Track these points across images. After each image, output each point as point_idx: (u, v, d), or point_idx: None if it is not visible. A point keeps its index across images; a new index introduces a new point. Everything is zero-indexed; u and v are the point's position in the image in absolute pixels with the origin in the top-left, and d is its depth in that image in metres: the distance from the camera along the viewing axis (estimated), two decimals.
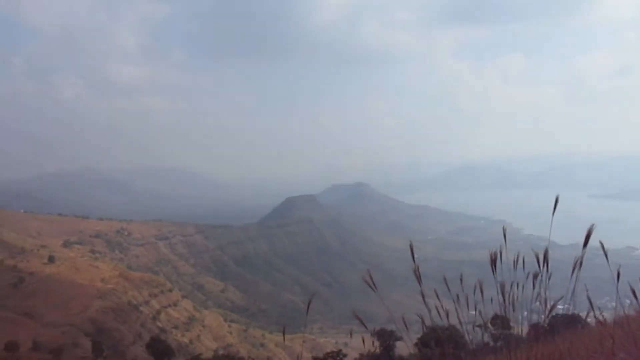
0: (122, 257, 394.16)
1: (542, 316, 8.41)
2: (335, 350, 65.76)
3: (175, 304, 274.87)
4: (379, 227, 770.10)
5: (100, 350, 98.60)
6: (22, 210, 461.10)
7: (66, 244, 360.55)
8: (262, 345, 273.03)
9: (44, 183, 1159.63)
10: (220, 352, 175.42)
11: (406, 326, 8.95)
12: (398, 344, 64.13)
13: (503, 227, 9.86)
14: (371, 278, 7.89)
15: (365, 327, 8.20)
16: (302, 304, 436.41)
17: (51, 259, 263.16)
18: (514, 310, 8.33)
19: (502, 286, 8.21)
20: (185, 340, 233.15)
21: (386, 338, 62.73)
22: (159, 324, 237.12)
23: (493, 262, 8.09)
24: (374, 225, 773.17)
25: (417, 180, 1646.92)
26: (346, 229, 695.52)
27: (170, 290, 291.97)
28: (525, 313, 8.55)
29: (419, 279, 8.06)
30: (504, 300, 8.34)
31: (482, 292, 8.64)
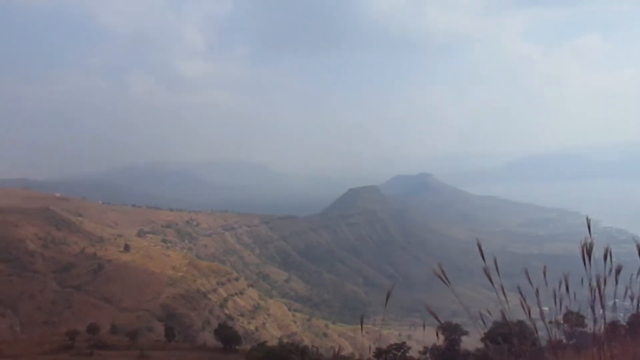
0: (191, 246, 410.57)
1: (622, 314, 7.68)
2: (398, 342, 65.09)
3: (241, 293, 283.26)
4: (444, 218, 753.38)
5: (172, 335, 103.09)
6: (100, 202, 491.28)
7: (140, 234, 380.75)
8: (325, 335, 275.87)
9: (120, 175, 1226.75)
10: (285, 340, 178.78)
11: (482, 321, 8.44)
12: (464, 338, 62.44)
13: (587, 219, 9.07)
14: (443, 271, 7.42)
15: (438, 320, 7.78)
16: (365, 294, 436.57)
17: (127, 248, 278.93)
18: (603, 308, 7.63)
19: (598, 280, 7.55)
20: (251, 327, 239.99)
21: (451, 332, 61.24)
22: (226, 311, 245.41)
23: (588, 253, 7.43)
24: (439, 217, 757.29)
25: (483, 171, 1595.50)
26: (410, 221, 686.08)
27: (237, 279, 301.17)
28: (601, 311, 7.81)
29: (488, 274, 7.51)
30: (594, 296, 7.67)
31: (567, 287, 7.97)
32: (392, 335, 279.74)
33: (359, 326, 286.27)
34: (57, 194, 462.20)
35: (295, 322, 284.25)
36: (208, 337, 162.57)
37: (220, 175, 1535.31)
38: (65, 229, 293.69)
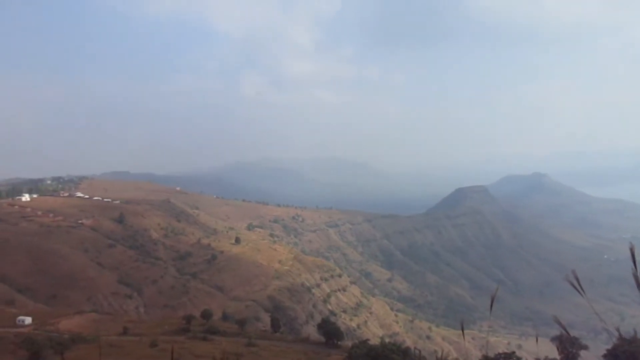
0: (297, 241, 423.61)
1: None
2: (507, 352, 61.60)
3: (344, 289, 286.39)
4: (560, 222, 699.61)
5: (277, 326, 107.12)
6: (214, 196, 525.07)
7: (249, 227, 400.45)
8: (428, 337, 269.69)
9: (232, 171, 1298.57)
10: (387, 340, 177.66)
11: (607, 335, 7.67)
12: (583, 353, 57.52)
13: None
14: (577, 279, 6.81)
15: (567, 332, 7.17)
16: (471, 299, 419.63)
17: (237, 240, 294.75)
18: None
19: None
20: (353, 324, 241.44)
21: (569, 345, 56.68)
22: (329, 307, 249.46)
23: None
24: (555, 220, 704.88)
25: (608, 171, 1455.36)
26: (521, 223, 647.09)
27: (340, 276, 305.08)
28: None
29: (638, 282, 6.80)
30: None
31: None
32: (500, 343, 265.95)
33: (465, 331, 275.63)
34: (177, 188, 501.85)
35: (397, 322, 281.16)
36: (311, 331, 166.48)
37: (325, 173, 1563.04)
38: (184, 221, 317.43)
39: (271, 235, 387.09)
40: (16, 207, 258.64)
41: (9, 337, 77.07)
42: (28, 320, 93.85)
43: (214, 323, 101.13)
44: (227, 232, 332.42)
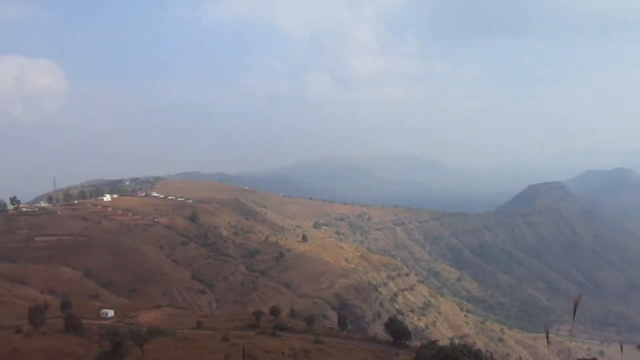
0: (363, 239, 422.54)
1: None
2: (588, 358, 58.08)
3: (411, 288, 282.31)
4: None
5: (344, 324, 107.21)
6: (281, 194, 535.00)
7: (316, 225, 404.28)
8: (500, 340, 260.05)
9: (299, 170, 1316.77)
10: (457, 341, 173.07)
11: None
12: None
13: None
14: None
15: None
16: (547, 301, 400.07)
17: (304, 238, 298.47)
18: None
19: None
20: (421, 324, 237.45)
21: None
22: (396, 306, 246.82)
23: None
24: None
25: None
26: (603, 221, 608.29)
27: (407, 275, 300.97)
28: None
29: None
30: None
31: None
32: (579, 349, 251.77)
33: (540, 335, 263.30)
34: (246, 187, 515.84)
35: (467, 323, 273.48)
36: (378, 330, 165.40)
37: (391, 170, 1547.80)
38: (252, 219, 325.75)
39: (337, 233, 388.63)
40: (99, 206, 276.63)
41: (93, 328, 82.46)
42: (111, 313, 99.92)
43: (282, 319, 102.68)
44: (294, 230, 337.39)
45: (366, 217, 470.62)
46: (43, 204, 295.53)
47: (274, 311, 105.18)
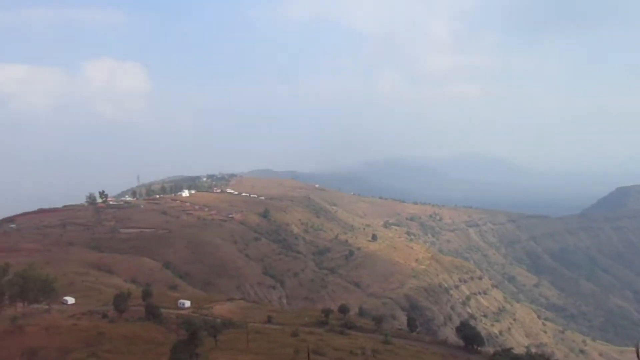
0: (434, 240, 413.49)
1: None
2: None
3: (485, 292, 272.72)
4: None
5: (414, 326, 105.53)
6: (352, 193, 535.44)
7: (386, 225, 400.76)
8: (581, 351, 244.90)
9: (370, 168, 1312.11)
10: (533, 349, 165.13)
11: None
12: None
13: None
14: None
15: None
16: (636, 312, 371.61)
17: (374, 237, 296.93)
18: None
19: None
20: (495, 330, 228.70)
21: None
22: (469, 310, 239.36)
23: None
24: None
25: None
26: None
27: (480, 278, 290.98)
28: None
29: None
30: None
31: None
32: None
33: (628, 348, 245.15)
34: (317, 185, 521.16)
35: (545, 331, 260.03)
36: (449, 333, 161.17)
37: (464, 170, 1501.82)
38: (323, 217, 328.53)
39: (408, 233, 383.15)
40: (178, 201, 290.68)
41: (171, 317, 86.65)
42: (187, 303, 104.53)
43: (351, 318, 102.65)
44: (364, 229, 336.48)
45: (438, 217, 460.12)
46: (128, 198, 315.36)
47: (343, 309, 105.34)
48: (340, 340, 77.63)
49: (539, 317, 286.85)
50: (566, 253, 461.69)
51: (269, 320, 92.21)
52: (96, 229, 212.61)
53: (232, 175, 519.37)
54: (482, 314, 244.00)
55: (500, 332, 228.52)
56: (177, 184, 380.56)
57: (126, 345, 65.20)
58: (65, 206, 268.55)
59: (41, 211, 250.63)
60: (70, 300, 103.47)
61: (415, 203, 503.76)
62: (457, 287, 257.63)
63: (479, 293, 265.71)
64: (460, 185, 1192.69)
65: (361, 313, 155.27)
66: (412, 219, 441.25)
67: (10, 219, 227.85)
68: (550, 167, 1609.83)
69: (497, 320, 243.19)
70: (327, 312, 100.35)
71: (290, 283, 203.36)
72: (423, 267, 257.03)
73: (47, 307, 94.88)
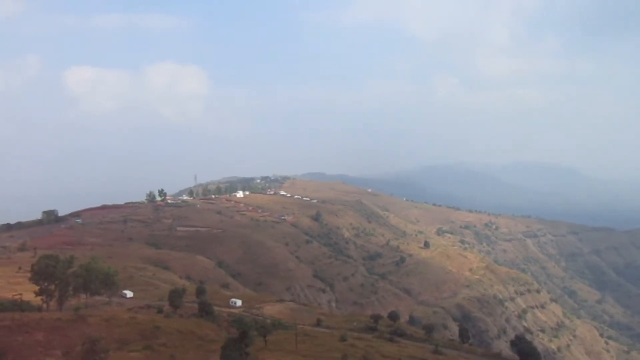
0: (489, 250, 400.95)
1: None
2: None
3: (542, 306, 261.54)
4: None
5: (466, 337, 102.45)
6: (404, 198, 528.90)
7: (439, 232, 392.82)
8: None
9: (423, 174, 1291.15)
10: None
11: None
12: None
13: None
14: None
15: None
16: None
17: (426, 244, 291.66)
18: None
19: None
20: (553, 346, 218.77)
21: None
22: (524, 324, 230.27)
23: None
24: None
25: None
26: None
27: (538, 291, 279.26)
28: None
29: None
30: None
31: None
32: None
33: None
34: (369, 190, 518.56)
35: (608, 350, 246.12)
36: (503, 347, 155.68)
37: (523, 178, 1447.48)
38: (374, 221, 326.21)
39: (462, 241, 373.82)
40: (232, 202, 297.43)
41: (223, 315, 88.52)
42: (239, 302, 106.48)
43: (401, 325, 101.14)
44: (416, 235, 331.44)
45: (494, 226, 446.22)
46: (185, 197, 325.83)
47: (393, 316, 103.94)
48: (389, 348, 76.55)
49: (601, 335, 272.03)
50: (632, 268, 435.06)
51: (318, 323, 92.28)
52: (155, 226, 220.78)
53: (285, 178, 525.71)
54: (539, 328, 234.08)
55: (559, 349, 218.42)
56: (232, 185, 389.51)
57: (180, 340, 67.14)
58: (127, 203, 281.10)
59: (104, 207, 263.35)
60: (129, 293, 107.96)
61: (471, 211, 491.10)
62: (512, 299, 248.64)
63: (536, 307, 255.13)
64: (519, 194, 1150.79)
65: (411, 321, 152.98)
66: (466, 227, 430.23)
67: (76, 214, 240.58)
68: (616, 177, 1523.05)
69: (556, 336, 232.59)
70: (376, 318, 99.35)
71: (339, 287, 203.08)
72: (477, 277, 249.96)
73: (107, 299, 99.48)
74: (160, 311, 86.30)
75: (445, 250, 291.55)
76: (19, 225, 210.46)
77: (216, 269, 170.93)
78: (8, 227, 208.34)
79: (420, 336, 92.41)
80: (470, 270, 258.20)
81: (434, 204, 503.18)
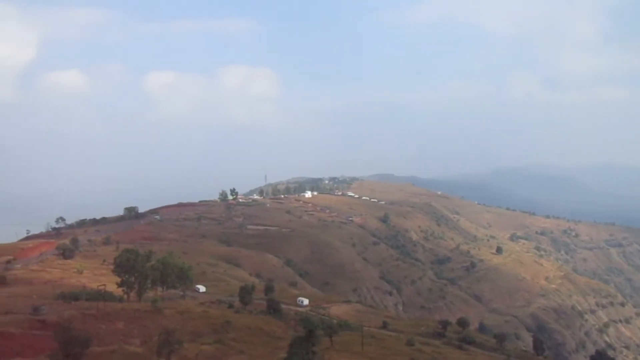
0: (568, 258, 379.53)
1: None
2: None
3: (627, 321, 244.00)
4: None
5: (541, 349, 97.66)
6: (476, 202, 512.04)
7: (512, 238, 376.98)
8: None
9: (497, 177, 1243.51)
10: None
11: None
12: None
13: None
14: None
15: None
16: None
17: (499, 250, 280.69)
18: None
19: None
20: None
21: None
22: (606, 339, 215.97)
23: None
24: None
25: None
26: None
27: (622, 305, 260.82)
28: None
29: None
30: None
31: None
32: None
33: None
34: (439, 192, 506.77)
35: None
36: None
37: (606, 182, 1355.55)
38: (444, 225, 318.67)
39: (537, 248, 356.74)
40: (301, 202, 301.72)
41: (290, 313, 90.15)
42: (306, 301, 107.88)
43: (470, 333, 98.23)
44: (488, 240, 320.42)
45: (573, 233, 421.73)
46: (255, 197, 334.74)
47: (462, 323, 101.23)
48: (458, 355, 74.63)
49: None
50: None
51: (385, 326, 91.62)
52: (226, 224, 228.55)
53: (354, 179, 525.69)
54: (623, 345, 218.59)
55: None
56: (301, 185, 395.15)
57: (249, 335, 69.14)
58: (201, 201, 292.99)
59: (180, 205, 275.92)
60: (202, 288, 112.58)
61: (547, 216, 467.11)
62: (593, 311, 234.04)
63: (620, 321, 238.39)
64: (602, 200, 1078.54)
65: (481, 329, 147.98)
66: (542, 234, 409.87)
67: (155, 211, 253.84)
68: None
69: None
70: (444, 323, 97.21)
71: (407, 290, 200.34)
72: (554, 286, 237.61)
73: (182, 293, 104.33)
74: (230, 306, 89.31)
75: (519, 257, 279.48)
76: (104, 221, 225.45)
77: (284, 267, 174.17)
78: (94, 221, 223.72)
79: (491, 345, 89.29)
80: (546, 278, 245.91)
81: (507, 208, 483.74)
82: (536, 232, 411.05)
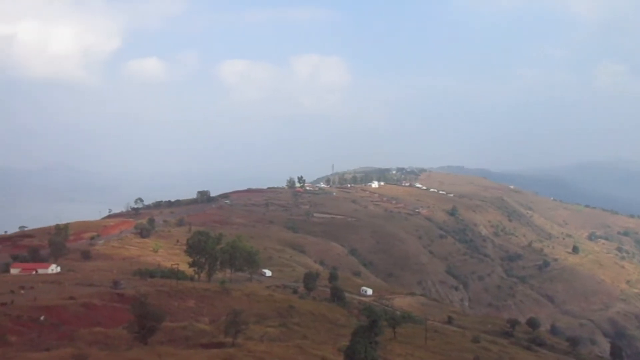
0: None
1: None
2: None
3: None
4: None
5: (619, 356, 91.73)
6: (551, 198, 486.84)
7: (591, 237, 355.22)
8: None
9: (576, 173, 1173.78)
10: None
11: None
12: None
13: None
14: None
15: None
16: None
17: (575, 250, 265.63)
18: None
19: None
20: None
21: None
22: None
23: None
24: None
25: None
26: None
27: None
28: None
29: None
30: None
31: None
32: None
33: None
34: (512, 186, 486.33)
35: None
36: None
37: None
38: (516, 221, 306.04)
39: (619, 249, 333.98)
40: (367, 192, 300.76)
41: (354, 302, 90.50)
42: (369, 291, 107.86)
43: (540, 334, 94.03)
44: (564, 239, 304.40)
45: None
46: (322, 185, 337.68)
47: (533, 323, 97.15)
48: (526, 356, 71.79)
49: None
50: None
51: (449, 321, 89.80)
52: (293, 210, 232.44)
53: (422, 170, 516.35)
54: None
55: None
56: (368, 175, 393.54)
57: (312, 321, 70.14)
58: (269, 188, 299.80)
59: (249, 190, 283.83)
60: (268, 272, 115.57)
61: (632, 216, 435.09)
62: None
63: None
64: None
65: (553, 330, 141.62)
66: (625, 234, 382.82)
67: (225, 195, 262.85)
68: None
69: None
70: (513, 322, 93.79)
71: (474, 286, 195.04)
72: (636, 290, 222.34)
73: (249, 275, 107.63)
74: (295, 292, 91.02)
75: (598, 258, 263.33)
76: (178, 203, 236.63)
77: (349, 256, 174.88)
78: (169, 203, 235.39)
79: (562, 348, 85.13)
80: (628, 282, 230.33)
81: (586, 206, 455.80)
82: (618, 232, 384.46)
